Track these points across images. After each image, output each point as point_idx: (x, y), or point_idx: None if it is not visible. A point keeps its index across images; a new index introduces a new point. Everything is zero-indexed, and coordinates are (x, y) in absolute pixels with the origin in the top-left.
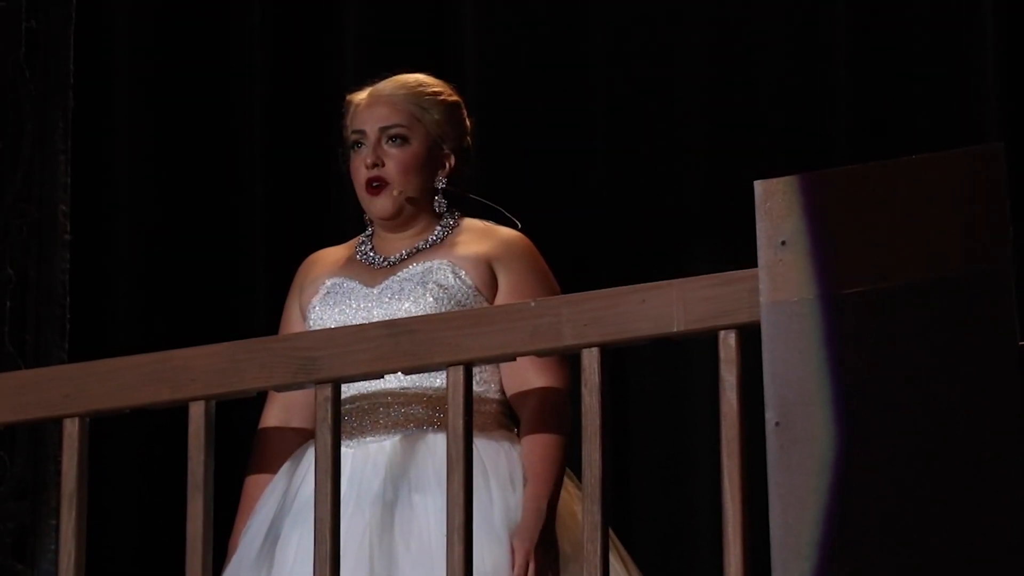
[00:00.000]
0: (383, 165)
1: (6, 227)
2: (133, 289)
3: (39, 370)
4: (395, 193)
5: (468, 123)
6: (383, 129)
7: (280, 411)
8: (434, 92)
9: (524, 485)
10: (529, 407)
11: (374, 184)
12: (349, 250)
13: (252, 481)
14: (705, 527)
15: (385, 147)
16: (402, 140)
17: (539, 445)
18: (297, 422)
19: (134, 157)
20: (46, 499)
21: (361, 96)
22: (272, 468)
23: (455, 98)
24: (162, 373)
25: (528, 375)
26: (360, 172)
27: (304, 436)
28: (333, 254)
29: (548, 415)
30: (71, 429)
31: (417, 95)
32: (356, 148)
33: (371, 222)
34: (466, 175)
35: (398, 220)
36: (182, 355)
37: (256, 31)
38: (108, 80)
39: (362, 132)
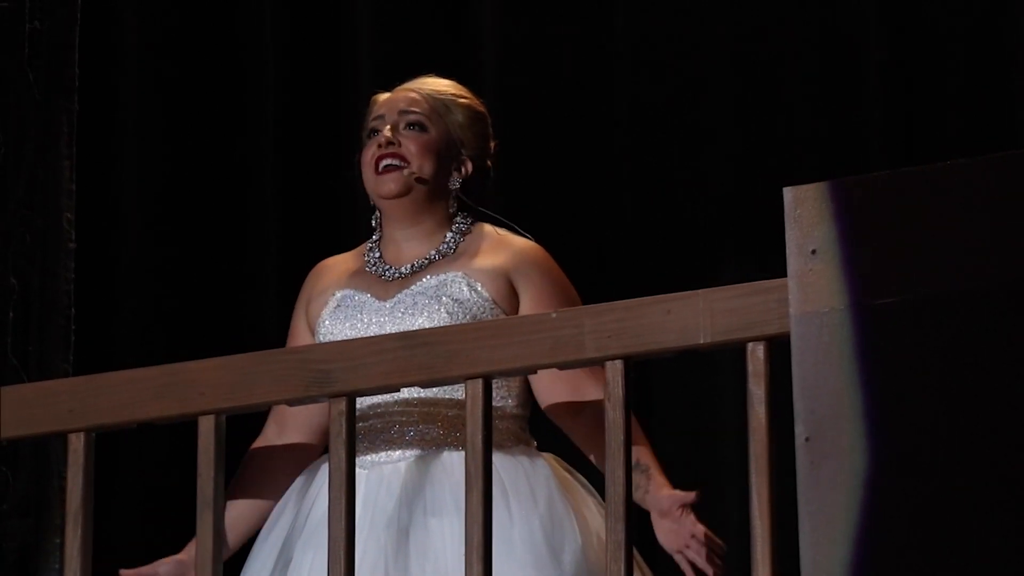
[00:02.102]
0: (399, 145)
1: (9, 235)
2: (140, 299)
3: (43, 383)
4: (406, 172)
5: (492, 143)
6: (403, 113)
7: (274, 426)
8: (461, 96)
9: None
10: (595, 419)
11: (385, 162)
12: (358, 259)
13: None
14: (733, 546)
15: (403, 131)
16: (420, 127)
17: (640, 442)
18: (289, 438)
19: (141, 163)
20: (50, 517)
21: (385, 94)
22: (247, 493)
23: (482, 110)
24: (170, 387)
25: (583, 385)
26: (371, 151)
27: (296, 452)
28: (341, 263)
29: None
30: (76, 444)
31: (442, 93)
32: (371, 137)
33: (379, 226)
34: (482, 192)
35: (407, 202)
36: (191, 368)
37: (268, 34)
38: (114, 83)
39: (380, 118)
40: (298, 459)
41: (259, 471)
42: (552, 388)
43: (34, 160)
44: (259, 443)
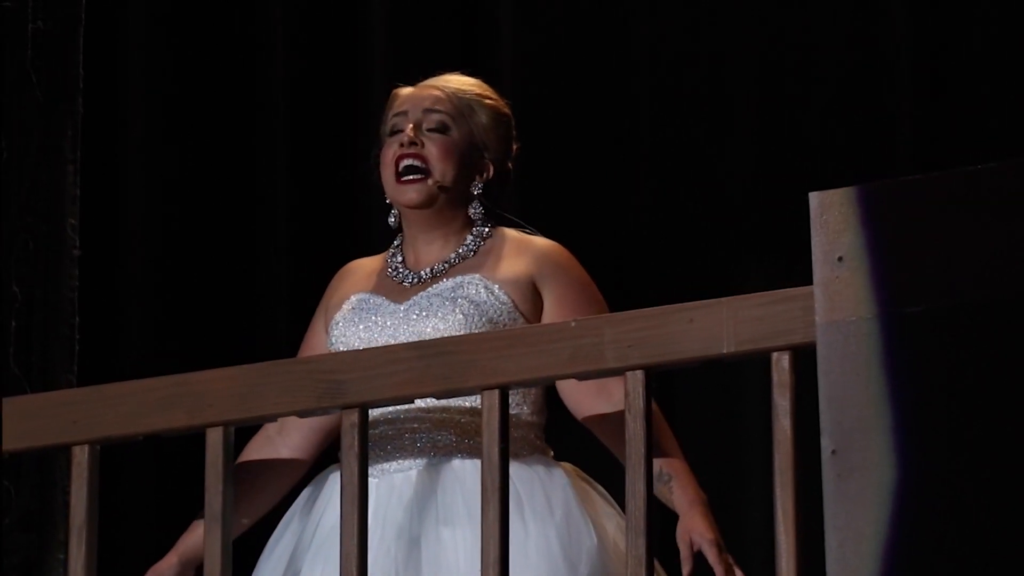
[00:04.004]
0: (422, 146)
1: (11, 242)
2: (146, 308)
3: (46, 394)
4: (429, 182)
5: (514, 145)
6: (426, 112)
7: (276, 423)
8: (486, 96)
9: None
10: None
11: (406, 165)
12: (381, 262)
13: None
14: (757, 561)
15: (425, 132)
16: (444, 128)
17: (669, 451)
18: (289, 435)
19: (148, 167)
20: (54, 532)
21: (407, 88)
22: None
23: (506, 112)
24: (177, 397)
25: (609, 385)
26: (392, 150)
27: (287, 465)
28: (366, 266)
29: (658, 426)
30: (80, 457)
31: (467, 93)
32: (392, 134)
33: (400, 229)
34: (502, 195)
35: (429, 211)
36: (199, 378)
37: (278, 32)
38: (120, 85)
39: (403, 114)
40: (288, 469)
41: (247, 479)
42: (580, 391)
43: (37, 164)
44: (258, 439)
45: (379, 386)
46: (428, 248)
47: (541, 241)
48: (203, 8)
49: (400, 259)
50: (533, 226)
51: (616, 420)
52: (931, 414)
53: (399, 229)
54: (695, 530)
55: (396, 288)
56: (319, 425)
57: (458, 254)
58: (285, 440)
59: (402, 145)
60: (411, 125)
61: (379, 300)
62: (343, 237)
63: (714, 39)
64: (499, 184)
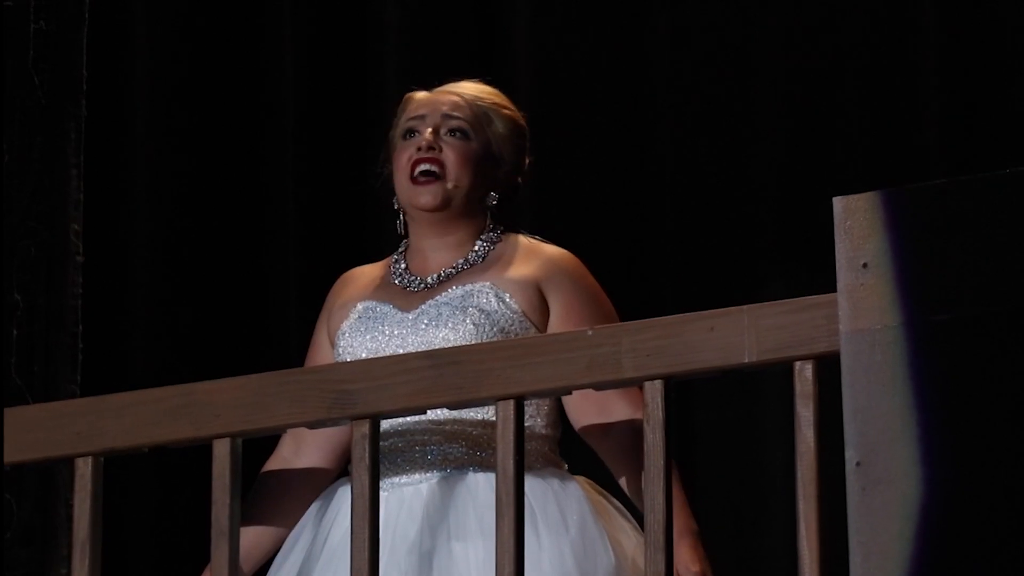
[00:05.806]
0: (439, 151)
1: (13, 248)
2: (152, 316)
3: (48, 405)
4: (448, 185)
5: (527, 159)
6: (445, 117)
7: (290, 443)
8: (504, 106)
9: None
10: (623, 439)
11: (423, 167)
12: (384, 269)
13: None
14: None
15: (444, 137)
16: (463, 134)
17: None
18: (307, 456)
19: (152, 171)
20: (56, 546)
21: (423, 92)
22: (262, 518)
23: (523, 124)
24: (183, 408)
25: (611, 404)
26: (408, 153)
27: (313, 475)
28: (368, 273)
29: None
30: (83, 469)
31: (485, 101)
32: (408, 137)
33: (407, 234)
34: (511, 209)
35: (441, 215)
36: (205, 388)
37: (287, 33)
38: (125, 87)
39: (421, 118)
40: (315, 482)
41: (274, 495)
42: (580, 408)
43: (40, 168)
44: (274, 462)
45: (390, 396)
46: (435, 255)
47: (551, 248)
48: (209, 8)
49: (404, 265)
50: (549, 228)
51: (614, 435)
52: (958, 425)
53: (404, 235)
54: (681, 562)
55: (402, 294)
56: (337, 441)
57: (467, 259)
58: (302, 460)
59: (419, 149)
60: (429, 129)
61: (386, 308)
62: (353, 243)
63: (737, 42)
64: (509, 198)
